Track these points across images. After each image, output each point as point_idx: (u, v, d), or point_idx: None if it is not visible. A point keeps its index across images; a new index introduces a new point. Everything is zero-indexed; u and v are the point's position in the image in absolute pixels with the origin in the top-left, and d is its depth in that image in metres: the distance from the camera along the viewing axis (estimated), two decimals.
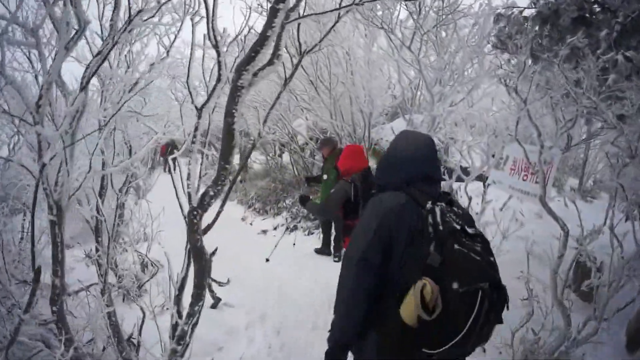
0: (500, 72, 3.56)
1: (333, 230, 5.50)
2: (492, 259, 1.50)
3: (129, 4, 2.35)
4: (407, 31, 4.74)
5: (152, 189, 10.41)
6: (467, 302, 1.34)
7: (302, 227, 7.06)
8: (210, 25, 1.84)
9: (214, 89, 1.87)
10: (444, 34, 4.64)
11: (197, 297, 2.11)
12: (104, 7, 3.01)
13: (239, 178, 11.73)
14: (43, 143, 2.16)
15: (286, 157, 10.75)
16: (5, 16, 2.05)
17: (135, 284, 4.11)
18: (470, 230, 1.49)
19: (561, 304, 2.66)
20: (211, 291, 3.96)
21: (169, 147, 17.66)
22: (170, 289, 2.57)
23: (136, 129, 4.14)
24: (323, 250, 5.66)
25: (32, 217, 2.30)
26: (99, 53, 2.46)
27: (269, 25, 1.64)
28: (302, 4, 3.61)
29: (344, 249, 4.04)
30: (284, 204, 8.42)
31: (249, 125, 9.26)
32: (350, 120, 6.62)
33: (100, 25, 3.11)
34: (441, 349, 1.36)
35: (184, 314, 2.39)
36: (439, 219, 1.46)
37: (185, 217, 2.13)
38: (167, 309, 4.16)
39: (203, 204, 1.88)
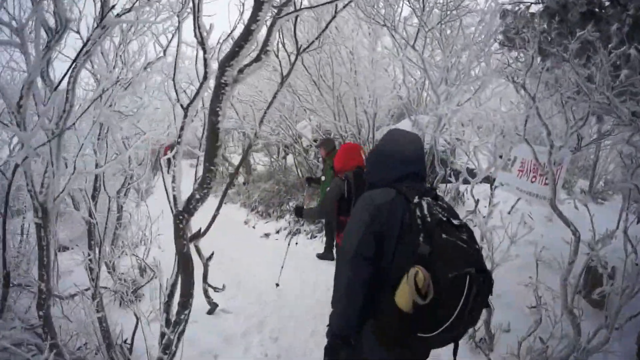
0: (508, 69, 3.42)
1: None
2: (477, 246, 1.59)
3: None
4: (411, 29, 4.61)
5: (154, 191, 10.39)
6: (456, 287, 1.41)
7: (305, 231, 6.94)
8: (196, 21, 1.74)
9: (200, 87, 1.77)
10: (448, 31, 4.50)
11: (184, 305, 2.00)
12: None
13: (242, 180, 11.66)
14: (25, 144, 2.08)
15: (290, 159, 10.64)
16: None
17: (130, 289, 4.02)
18: (455, 222, 1.58)
19: (571, 313, 2.51)
20: (207, 297, 3.86)
21: (172, 149, 17.72)
22: (161, 296, 2.47)
23: (134, 130, 4.06)
24: (325, 255, 5.53)
25: (4, 219, 2.22)
26: (83, 51, 2.39)
27: (253, 19, 1.53)
28: (298, 1, 3.53)
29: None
30: (288, 206, 8.31)
31: (252, 125, 9.14)
32: (354, 121, 6.49)
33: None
34: (435, 332, 1.43)
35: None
36: (426, 211, 1.56)
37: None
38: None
39: (189, 208, 1.78)
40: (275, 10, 1.77)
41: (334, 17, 2.72)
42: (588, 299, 3.34)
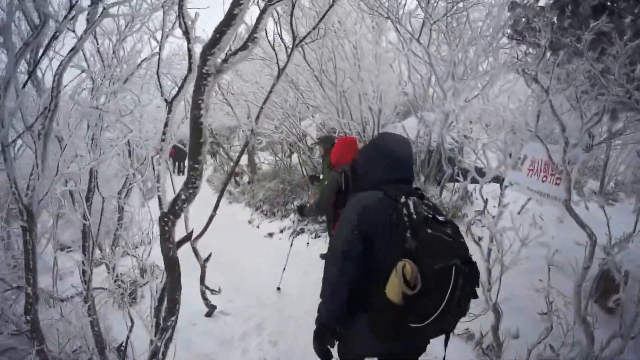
0: (518, 63, 3.26)
1: None
2: (462, 240, 1.69)
3: None
4: (416, 22, 4.46)
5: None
6: (442, 278, 1.51)
7: (309, 230, 6.81)
8: (180, 9, 1.62)
9: (184, 80, 1.66)
10: (455, 23, 4.34)
11: (170, 312, 1.88)
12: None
13: (247, 180, 11.56)
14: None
15: (296, 157, 10.52)
16: None
17: (127, 290, 3.93)
18: (440, 218, 1.68)
19: (584, 320, 2.36)
20: (205, 299, 3.75)
21: (178, 150, 17.67)
22: (152, 300, 2.37)
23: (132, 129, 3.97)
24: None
25: None
26: (72, 49, 2.29)
27: (236, 2, 1.41)
28: None
29: None
30: (292, 205, 8.19)
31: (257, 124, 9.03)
32: (359, 118, 6.35)
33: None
34: (426, 322, 1.51)
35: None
36: (412, 209, 1.65)
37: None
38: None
39: (175, 210, 1.66)
40: None
41: (331, 5, 2.58)
42: (600, 303, 3.19)
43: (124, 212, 5.36)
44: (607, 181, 6.25)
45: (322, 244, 6.07)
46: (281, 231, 7.43)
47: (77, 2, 1.72)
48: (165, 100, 1.73)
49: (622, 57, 2.16)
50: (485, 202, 3.09)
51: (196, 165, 1.51)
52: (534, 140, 2.74)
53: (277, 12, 4.54)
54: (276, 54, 2.96)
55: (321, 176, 4.89)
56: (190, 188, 1.57)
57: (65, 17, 1.78)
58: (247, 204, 9.81)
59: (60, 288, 4.22)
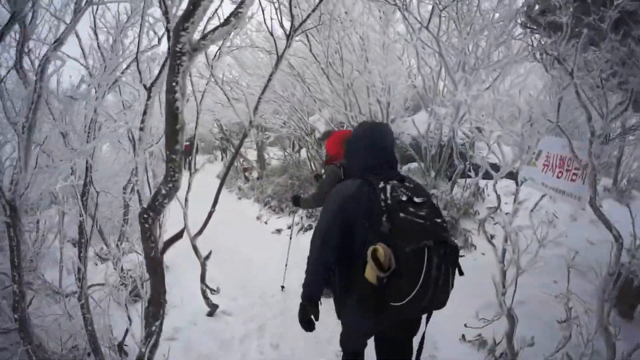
0: (538, 46, 3.03)
1: None
2: (438, 220, 1.74)
3: None
4: (425, 13, 4.24)
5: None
6: (416, 259, 1.59)
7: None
8: None
9: (163, 64, 1.51)
10: (465, 9, 4.10)
11: (154, 316, 1.75)
12: None
13: (257, 175, 11.46)
14: None
15: (304, 152, 10.37)
16: None
17: (127, 287, 3.82)
18: (418, 200, 1.75)
19: (606, 329, 2.16)
20: (206, 298, 3.62)
21: (192, 145, 17.66)
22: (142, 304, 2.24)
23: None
24: None
25: None
26: (57, 41, 2.16)
27: None
28: None
29: None
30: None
31: (265, 118, 8.89)
32: (367, 112, 6.15)
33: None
34: (405, 301, 1.60)
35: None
36: (388, 194, 1.73)
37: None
38: (165, 313, 3.89)
39: (155, 206, 1.51)
40: None
41: None
42: (618, 308, 2.99)
43: (129, 208, 5.28)
44: (620, 178, 5.97)
45: None
46: (289, 227, 7.28)
47: None
48: (144, 85, 1.59)
49: None
50: (498, 197, 2.89)
51: (173, 156, 1.36)
52: (553, 132, 2.54)
53: None
54: (275, 41, 2.80)
55: (322, 171, 4.74)
56: (170, 182, 1.42)
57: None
58: (256, 200, 9.72)
59: (67, 283, 4.15)
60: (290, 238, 4.70)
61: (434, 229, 1.68)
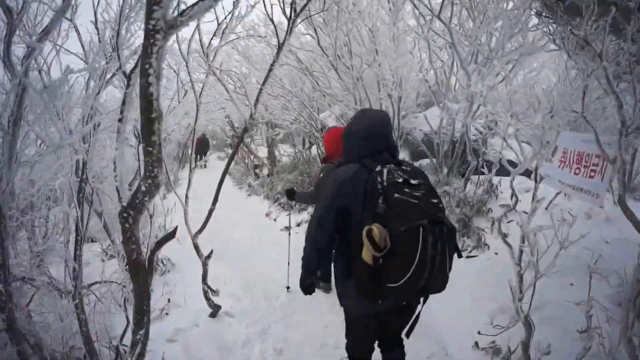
0: (558, 30, 2.82)
1: None
2: (434, 200, 1.77)
3: None
4: (436, 2, 4.03)
5: (181, 183, 10.25)
6: (410, 238, 1.62)
7: None
8: None
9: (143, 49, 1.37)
10: None
11: (138, 324, 1.62)
12: None
13: (267, 172, 11.37)
14: None
15: (315, 149, 10.23)
16: None
17: (126, 287, 3.73)
18: (413, 182, 1.78)
19: (630, 341, 1.96)
20: (207, 299, 3.50)
21: (201, 142, 17.63)
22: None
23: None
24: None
25: None
26: (43, 31, 2.05)
27: None
28: None
29: None
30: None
31: (274, 115, 8.76)
32: (378, 107, 5.97)
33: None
34: (402, 281, 1.63)
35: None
36: (385, 177, 1.76)
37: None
38: (167, 313, 3.78)
39: (135, 203, 1.38)
40: None
41: None
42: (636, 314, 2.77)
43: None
44: (634, 175, 5.70)
45: None
46: (298, 224, 7.17)
47: None
48: (124, 72, 1.46)
49: None
50: (512, 195, 2.71)
51: (150, 149, 1.22)
52: (573, 125, 2.34)
53: None
54: (275, 27, 2.66)
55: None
56: (149, 178, 1.28)
57: None
58: (266, 197, 9.65)
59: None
60: (289, 234, 4.55)
61: (429, 209, 1.70)
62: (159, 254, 5.13)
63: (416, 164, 7.17)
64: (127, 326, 2.79)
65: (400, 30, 5.01)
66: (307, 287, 2.17)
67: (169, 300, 3.85)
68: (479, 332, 2.83)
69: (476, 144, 5.83)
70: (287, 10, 2.70)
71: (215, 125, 15.20)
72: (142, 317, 1.59)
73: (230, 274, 4.66)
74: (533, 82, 4.09)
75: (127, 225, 1.43)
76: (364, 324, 2.13)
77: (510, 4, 3.82)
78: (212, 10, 2.64)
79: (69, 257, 2.75)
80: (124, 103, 1.47)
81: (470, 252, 4.31)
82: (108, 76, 2.58)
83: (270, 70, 2.62)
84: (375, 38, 5.06)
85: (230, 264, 5.03)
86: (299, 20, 2.60)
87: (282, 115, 8.44)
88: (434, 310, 3.29)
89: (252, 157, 12.84)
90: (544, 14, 3.51)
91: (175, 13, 1.21)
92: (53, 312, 3.06)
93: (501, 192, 4.95)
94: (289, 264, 4.14)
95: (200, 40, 2.55)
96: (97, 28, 2.92)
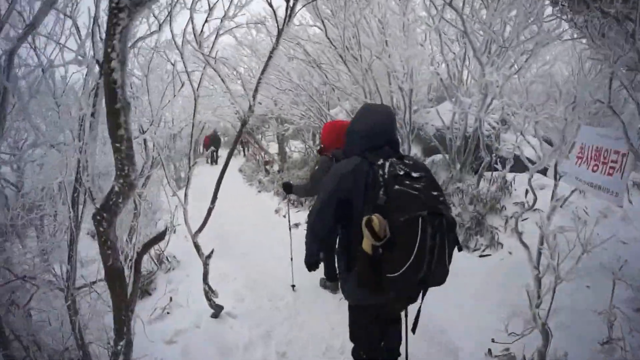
0: (570, 24, 2.62)
1: None
2: (435, 193, 1.77)
3: None
4: None
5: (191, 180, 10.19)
6: (410, 229, 1.63)
7: None
8: None
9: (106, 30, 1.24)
10: None
11: (118, 334, 1.50)
12: None
13: (277, 168, 11.27)
14: None
15: None
16: None
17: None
18: (415, 174, 1.79)
19: None
20: (209, 299, 3.40)
21: (212, 139, 17.62)
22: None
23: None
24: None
25: None
26: (28, 25, 1.94)
27: None
28: None
29: None
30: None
31: (283, 110, 8.63)
32: (389, 102, 5.78)
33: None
34: (401, 271, 1.64)
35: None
36: (386, 170, 1.79)
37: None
38: (169, 313, 3.69)
39: (110, 206, 1.25)
40: None
41: None
42: None
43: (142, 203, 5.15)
44: None
45: None
46: (306, 221, 7.05)
47: None
48: (97, 61, 1.34)
49: None
50: (532, 194, 2.53)
51: (117, 145, 1.09)
52: (595, 117, 2.15)
53: None
54: (274, 11, 2.51)
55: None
56: (120, 177, 1.16)
57: None
58: (276, 193, 9.55)
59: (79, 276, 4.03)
60: (290, 229, 4.42)
61: (429, 201, 1.71)
62: (161, 254, 5.07)
63: (429, 159, 6.97)
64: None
65: (411, 20, 4.82)
66: (312, 264, 2.28)
67: (170, 299, 3.76)
68: (493, 340, 2.66)
69: (489, 139, 5.62)
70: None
71: (226, 122, 15.13)
72: (120, 327, 1.47)
73: (236, 272, 4.56)
74: (547, 74, 3.88)
75: (101, 229, 1.31)
76: (365, 323, 2.16)
77: None
78: None
79: (63, 256, 2.67)
80: (96, 95, 1.34)
81: (483, 250, 4.13)
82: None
83: (269, 57, 2.48)
84: (385, 29, 4.88)
85: (236, 261, 4.94)
86: (299, 5, 2.45)
87: (290, 110, 8.31)
88: (444, 311, 3.13)
89: (263, 153, 12.76)
90: (560, 2, 3.30)
91: None
92: (50, 311, 3.00)
93: (515, 190, 4.74)
94: (291, 259, 4.01)
95: (193, 28, 2.43)
96: (99, 25, 2.82)
